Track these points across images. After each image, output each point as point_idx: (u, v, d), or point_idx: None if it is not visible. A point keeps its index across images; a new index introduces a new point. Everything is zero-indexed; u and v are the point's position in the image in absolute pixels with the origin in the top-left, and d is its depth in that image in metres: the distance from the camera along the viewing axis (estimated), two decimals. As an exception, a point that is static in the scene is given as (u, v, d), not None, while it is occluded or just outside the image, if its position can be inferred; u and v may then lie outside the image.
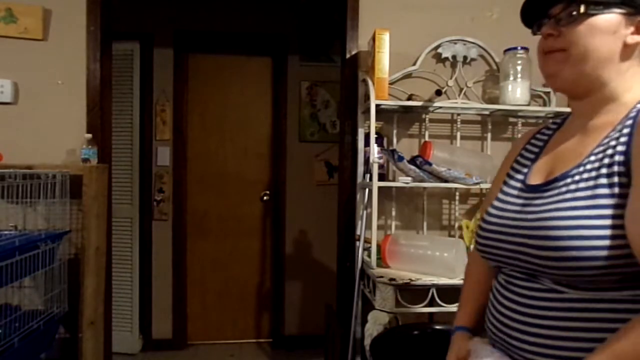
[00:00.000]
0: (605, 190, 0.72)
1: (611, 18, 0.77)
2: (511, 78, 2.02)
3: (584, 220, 0.71)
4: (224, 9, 3.35)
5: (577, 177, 0.76)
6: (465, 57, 2.17)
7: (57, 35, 2.11)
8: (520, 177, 0.90)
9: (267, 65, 3.49)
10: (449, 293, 1.75)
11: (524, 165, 0.92)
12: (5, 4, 2.05)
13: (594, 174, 0.74)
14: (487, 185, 2.04)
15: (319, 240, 3.43)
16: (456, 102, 2.11)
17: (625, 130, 0.74)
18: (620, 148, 0.73)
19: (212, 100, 3.45)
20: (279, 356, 3.34)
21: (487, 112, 2.18)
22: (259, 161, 3.50)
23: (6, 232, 1.89)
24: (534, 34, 0.88)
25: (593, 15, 0.77)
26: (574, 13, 0.78)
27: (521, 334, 0.78)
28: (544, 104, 2.22)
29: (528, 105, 2.05)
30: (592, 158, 0.76)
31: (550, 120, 0.95)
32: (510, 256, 0.82)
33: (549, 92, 2.20)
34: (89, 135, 2.05)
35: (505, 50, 2.03)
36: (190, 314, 3.43)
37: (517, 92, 2.02)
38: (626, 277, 0.70)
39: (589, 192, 0.73)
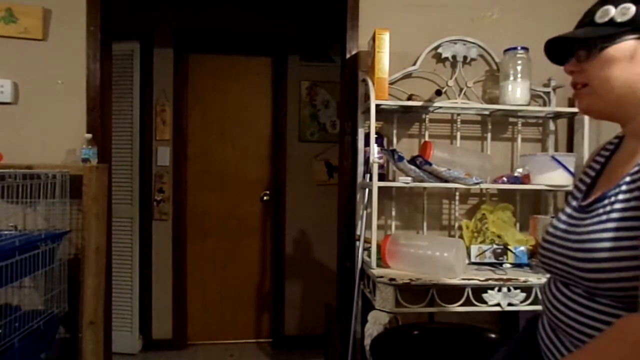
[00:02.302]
0: (637, 212, 0.74)
1: (626, 45, 0.80)
2: (511, 78, 2.02)
3: (617, 242, 0.74)
4: (224, 9, 3.35)
5: (612, 199, 0.79)
6: (465, 57, 2.17)
7: (57, 35, 2.11)
8: (579, 195, 0.94)
9: (267, 65, 3.49)
10: (449, 293, 1.75)
11: (584, 183, 0.95)
12: (5, 4, 2.05)
13: (628, 195, 0.77)
14: (487, 185, 2.04)
15: (319, 240, 3.43)
16: (456, 102, 2.11)
17: None
18: None
19: (212, 100, 3.45)
20: (279, 356, 3.34)
21: (487, 112, 2.18)
22: (259, 161, 3.50)
23: (6, 232, 1.89)
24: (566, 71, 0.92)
25: (606, 47, 0.81)
26: (590, 48, 0.83)
27: (563, 335, 0.85)
28: (544, 104, 2.22)
29: (528, 105, 2.05)
30: (628, 179, 0.78)
31: (614, 137, 0.98)
32: (560, 268, 0.87)
33: (549, 92, 2.20)
34: (89, 135, 2.05)
35: (505, 50, 2.03)
36: (190, 314, 3.43)
37: (517, 92, 2.02)
38: None
39: (620, 214, 0.76)
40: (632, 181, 0.77)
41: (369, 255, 1.89)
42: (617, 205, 0.77)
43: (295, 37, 3.42)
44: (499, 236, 2.00)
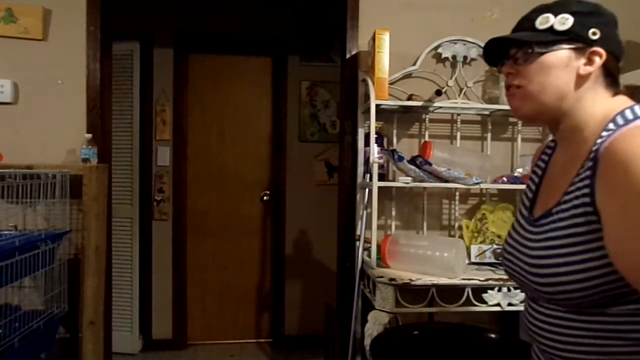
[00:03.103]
0: (578, 229, 0.79)
1: (561, 54, 0.84)
2: (511, 78, 2.02)
3: (562, 258, 0.79)
4: (224, 9, 3.35)
5: (555, 216, 0.83)
6: (465, 57, 2.17)
7: (57, 35, 2.11)
8: (527, 203, 0.98)
9: (267, 65, 3.49)
10: (449, 293, 1.75)
11: (531, 191, 0.99)
12: (5, 4, 2.05)
13: (567, 214, 0.81)
14: (487, 185, 2.04)
15: (319, 240, 3.42)
16: (456, 102, 2.11)
17: (588, 172, 0.79)
18: (585, 190, 0.78)
19: (212, 100, 3.45)
20: (279, 356, 3.34)
21: (487, 112, 2.18)
22: (259, 161, 3.50)
23: (6, 232, 1.89)
24: (499, 72, 0.95)
25: (544, 53, 0.84)
26: (528, 51, 0.86)
27: (540, 343, 0.89)
28: (544, 104, 2.21)
29: (528, 105, 2.05)
30: (566, 197, 0.82)
31: (551, 139, 1.02)
32: (521, 281, 0.91)
33: (549, 92, 2.20)
34: (89, 135, 2.05)
35: (505, 50, 2.03)
36: (190, 314, 3.43)
37: (517, 92, 2.01)
38: (611, 300, 0.78)
39: (564, 232, 0.80)
40: (570, 199, 0.81)
41: (369, 255, 1.89)
42: (560, 224, 0.81)
43: (295, 37, 3.42)
44: (499, 236, 2.00)
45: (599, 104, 0.84)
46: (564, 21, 0.84)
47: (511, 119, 2.25)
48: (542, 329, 0.87)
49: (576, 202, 0.80)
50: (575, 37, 0.83)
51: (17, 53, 2.08)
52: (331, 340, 2.31)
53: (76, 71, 2.11)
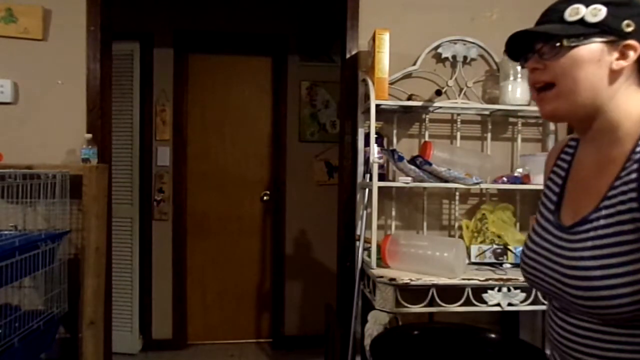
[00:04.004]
0: (626, 237, 0.73)
1: (593, 47, 0.78)
2: (511, 78, 2.02)
3: (608, 269, 0.74)
4: (224, 9, 3.35)
5: (595, 224, 0.77)
6: (465, 57, 2.17)
7: (57, 35, 2.11)
8: (551, 206, 0.91)
9: (267, 65, 3.49)
10: (449, 293, 1.75)
11: (554, 193, 0.93)
12: (5, 4, 2.05)
13: (611, 220, 0.75)
14: (487, 185, 2.04)
15: (319, 240, 3.43)
16: (456, 102, 2.11)
17: (633, 175, 0.74)
18: (631, 195, 0.74)
19: (212, 100, 3.45)
20: (279, 356, 3.34)
21: (487, 112, 2.18)
22: (259, 161, 3.50)
23: (6, 232, 1.89)
24: (522, 67, 0.89)
25: (575, 47, 0.78)
26: (557, 45, 0.79)
27: (568, 355, 0.83)
28: (544, 104, 2.21)
29: (528, 105, 2.05)
30: (607, 203, 0.77)
31: (570, 138, 0.95)
32: (551, 291, 0.85)
33: (549, 92, 2.20)
34: (89, 135, 2.05)
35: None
36: (190, 314, 3.43)
37: (517, 92, 2.02)
38: None
39: (609, 240, 0.75)
40: (613, 205, 0.76)
41: (369, 255, 1.89)
42: (603, 231, 0.76)
43: (295, 37, 3.42)
44: (499, 236, 2.00)
45: (633, 102, 0.79)
46: (596, 12, 0.77)
47: (511, 119, 2.25)
48: (572, 342, 0.81)
49: (621, 207, 0.74)
50: (608, 30, 0.77)
51: (17, 53, 2.08)
52: (331, 340, 2.31)
53: (76, 71, 2.11)
